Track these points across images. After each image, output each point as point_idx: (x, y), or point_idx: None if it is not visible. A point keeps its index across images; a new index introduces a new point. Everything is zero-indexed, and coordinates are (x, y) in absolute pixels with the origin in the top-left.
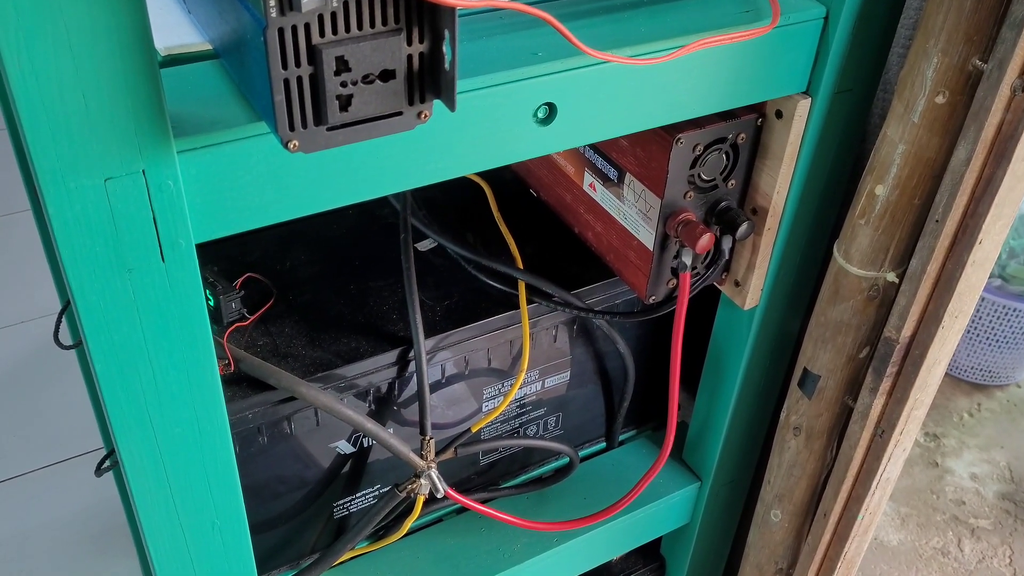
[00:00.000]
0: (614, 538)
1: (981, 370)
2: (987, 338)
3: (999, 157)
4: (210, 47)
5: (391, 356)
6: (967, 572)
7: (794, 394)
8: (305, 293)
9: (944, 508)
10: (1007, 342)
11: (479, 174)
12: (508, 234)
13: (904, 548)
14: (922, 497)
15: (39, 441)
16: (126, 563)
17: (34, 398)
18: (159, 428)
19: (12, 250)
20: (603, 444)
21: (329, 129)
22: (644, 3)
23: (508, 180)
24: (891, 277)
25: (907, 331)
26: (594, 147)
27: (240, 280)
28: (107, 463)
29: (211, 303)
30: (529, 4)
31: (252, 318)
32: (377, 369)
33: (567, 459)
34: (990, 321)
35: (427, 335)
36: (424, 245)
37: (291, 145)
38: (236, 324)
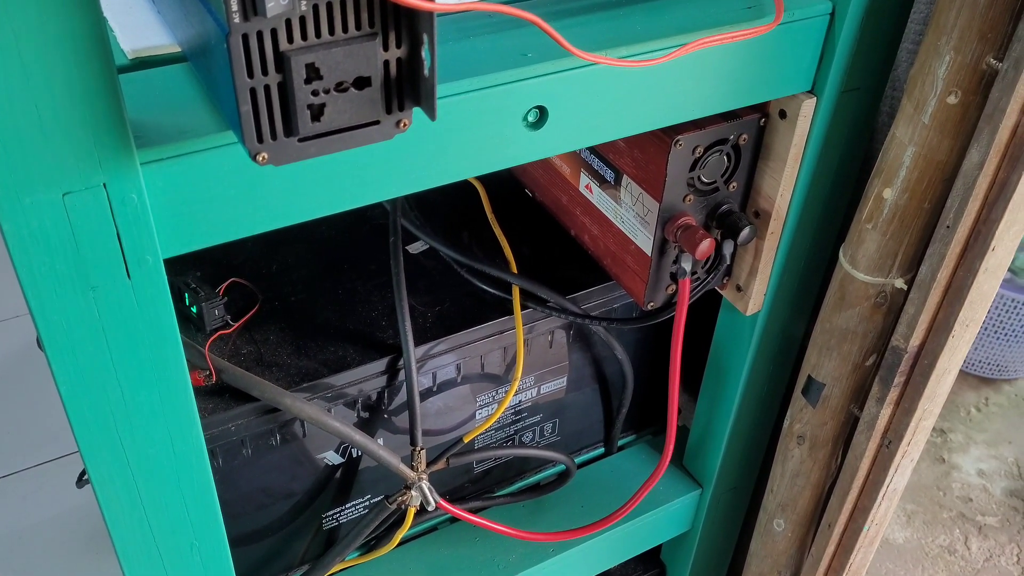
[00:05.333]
0: (612, 547)
1: (989, 364)
2: (995, 332)
3: (1014, 161)
4: (179, 49)
5: (380, 365)
6: (974, 571)
7: (798, 402)
8: (292, 298)
9: (951, 505)
10: (1015, 336)
11: None
12: (502, 236)
13: (910, 546)
14: (928, 494)
15: (32, 439)
16: (118, 563)
17: (26, 395)
18: (130, 450)
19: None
20: (601, 450)
21: (301, 140)
22: None
23: (503, 180)
24: (899, 284)
25: (916, 340)
26: (590, 148)
27: (224, 286)
28: (87, 475)
29: (193, 310)
30: (519, 1)
31: (236, 325)
32: (366, 378)
33: (564, 466)
34: (998, 314)
35: (417, 342)
36: (416, 247)
37: (260, 158)
38: (219, 332)
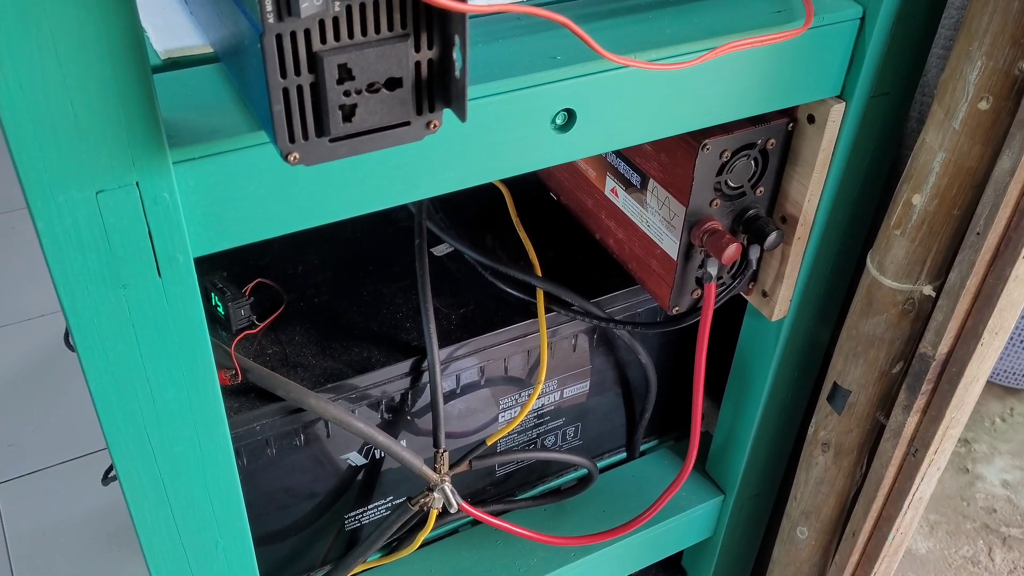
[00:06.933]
0: (634, 553)
1: (1014, 373)
2: (1021, 340)
3: None
4: (211, 50)
5: (404, 366)
6: None
7: (823, 409)
8: (317, 299)
9: (975, 516)
10: None
11: None
12: (527, 239)
13: (933, 557)
14: (952, 504)
15: (56, 437)
16: (142, 561)
17: (52, 393)
18: (158, 447)
19: (28, 243)
20: (624, 455)
21: (332, 140)
22: (671, 2)
23: (528, 183)
24: (928, 290)
25: (944, 347)
26: (616, 151)
27: (250, 286)
28: (114, 472)
29: (220, 310)
30: (549, 3)
31: (262, 325)
32: (390, 380)
33: (586, 471)
34: None
35: (442, 344)
36: (440, 249)
37: (291, 158)
38: (245, 332)
